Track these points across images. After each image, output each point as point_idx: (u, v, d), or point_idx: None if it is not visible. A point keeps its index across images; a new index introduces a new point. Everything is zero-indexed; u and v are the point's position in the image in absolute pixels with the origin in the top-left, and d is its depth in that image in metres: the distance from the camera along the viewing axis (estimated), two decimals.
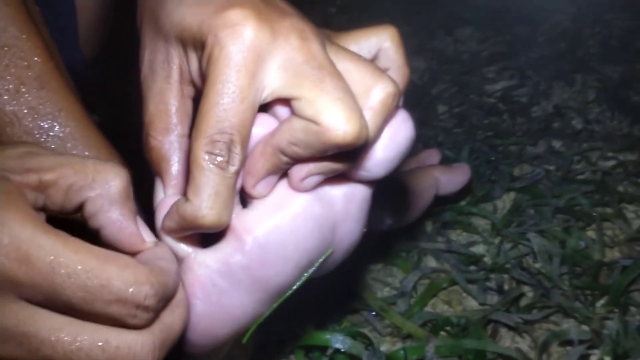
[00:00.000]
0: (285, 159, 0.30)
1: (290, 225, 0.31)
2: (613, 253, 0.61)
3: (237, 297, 0.32)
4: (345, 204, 0.33)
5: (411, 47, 1.09)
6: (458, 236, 0.65)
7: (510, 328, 0.53)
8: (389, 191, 0.60)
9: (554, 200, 0.67)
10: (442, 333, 0.52)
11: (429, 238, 0.64)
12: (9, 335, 0.26)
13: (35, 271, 0.26)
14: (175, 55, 0.32)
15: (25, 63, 0.40)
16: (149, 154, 0.33)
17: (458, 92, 0.96)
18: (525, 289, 0.57)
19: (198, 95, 0.34)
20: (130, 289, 0.26)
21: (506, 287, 0.57)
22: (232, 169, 0.30)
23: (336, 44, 0.32)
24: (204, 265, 0.31)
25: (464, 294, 0.58)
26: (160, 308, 0.28)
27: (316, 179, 0.31)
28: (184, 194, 0.30)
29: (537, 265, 0.59)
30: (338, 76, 0.30)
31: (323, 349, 0.48)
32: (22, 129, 0.40)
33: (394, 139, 0.31)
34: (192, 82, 0.33)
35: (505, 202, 0.69)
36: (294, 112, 0.30)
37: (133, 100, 0.37)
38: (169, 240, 0.32)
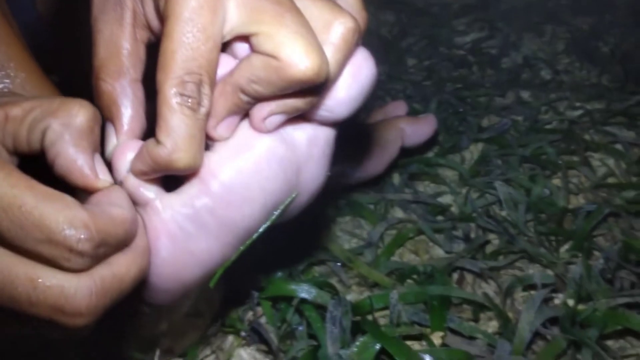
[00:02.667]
0: (245, 98, 0.30)
1: (254, 167, 0.31)
2: (578, 200, 0.61)
3: (203, 241, 0.31)
4: (308, 147, 0.32)
5: (381, 0, 1.07)
6: (425, 187, 0.65)
7: (476, 275, 0.53)
8: (355, 143, 0.60)
9: (520, 149, 0.67)
10: (409, 281, 0.53)
11: (396, 189, 0.64)
12: None
13: None
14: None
15: None
16: (99, 99, 0.32)
17: (428, 45, 0.95)
18: (491, 236, 0.57)
19: (152, 40, 0.33)
20: (63, 232, 0.26)
21: (472, 235, 0.57)
22: (203, 110, 0.29)
23: None
24: (169, 208, 0.31)
25: (431, 244, 0.58)
26: (101, 254, 0.27)
27: (278, 118, 0.31)
28: (153, 136, 0.30)
29: (503, 214, 0.59)
30: (297, 11, 0.29)
31: (289, 299, 0.48)
32: None
33: (356, 78, 0.31)
34: (147, 26, 0.32)
35: (472, 153, 0.69)
36: (253, 49, 0.29)
37: (82, 46, 0.36)
38: (132, 184, 0.31)
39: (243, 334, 0.47)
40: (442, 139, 0.70)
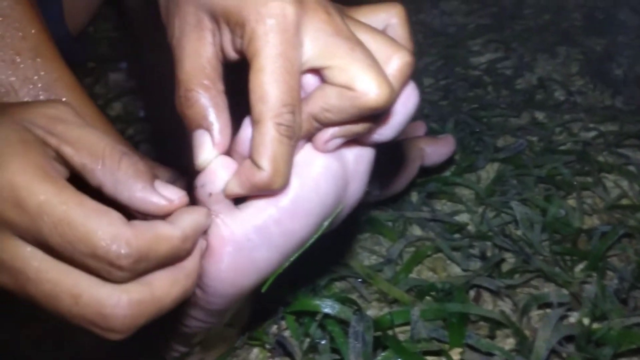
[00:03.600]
0: (316, 124, 0.33)
1: (314, 182, 0.34)
2: (592, 220, 0.63)
3: (266, 250, 0.34)
4: (355, 164, 0.36)
5: None
6: (443, 206, 0.67)
7: (492, 292, 0.55)
8: (376, 163, 0.61)
9: (536, 170, 0.69)
10: (427, 298, 0.54)
11: (415, 208, 0.66)
12: (4, 268, 0.29)
13: (26, 216, 0.28)
14: (208, 23, 0.33)
15: (21, 34, 0.41)
16: (188, 109, 0.33)
17: (444, 65, 0.97)
18: (507, 255, 0.59)
19: (225, 63, 0.35)
20: (106, 247, 0.28)
21: (489, 253, 0.59)
22: (296, 137, 0.32)
23: (350, 17, 0.34)
24: (239, 220, 0.33)
25: (448, 261, 0.60)
26: (141, 270, 0.29)
27: (338, 141, 0.34)
28: (249, 156, 0.32)
29: (519, 233, 0.61)
30: (364, 46, 0.32)
31: (313, 314, 0.50)
32: (18, 98, 0.41)
33: (406, 106, 0.34)
34: (222, 50, 0.34)
35: (489, 172, 0.71)
36: (325, 81, 0.32)
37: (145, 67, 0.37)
38: (216, 200, 0.33)
39: (268, 346, 0.49)
40: (459, 159, 0.72)
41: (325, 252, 0.56)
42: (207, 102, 0.33)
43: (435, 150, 0.63)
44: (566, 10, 1.13)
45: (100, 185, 0.31)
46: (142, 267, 0.29)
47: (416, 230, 0.63)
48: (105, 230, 0.28)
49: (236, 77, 0.35)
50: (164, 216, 0.31)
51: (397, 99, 0.34)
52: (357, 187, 0.37)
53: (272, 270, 0.35)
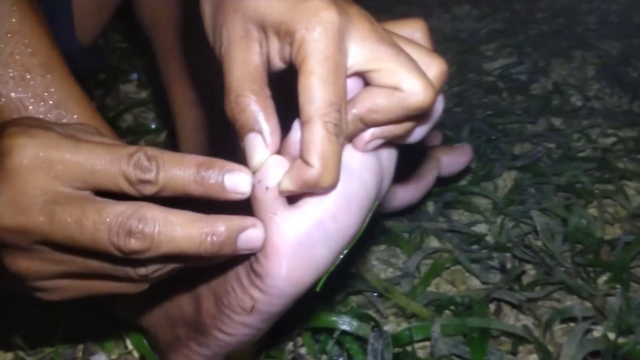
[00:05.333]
0: (361, 125, 0.35)
1: (360, 177, 0.35)
2: (614, 230, 0.61)
3: (324, 246, 0.35)
4: (387, 162, 0.38)
5: None
6: (460, 216, 0.66)
7: (513, 306, 0.53)
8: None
9: (555, 178, 0.67)
10: (447, 312, 0.53)
11: (431, 218, 0.64)
12: (31, 203, 0.32)
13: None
14: (256, 33, 0.35)
15: (30, 50, 0.40)
16: (240, 114, 0.35)
17: (457, 71, 0.96)
18: (528, 267, 0.57)
19: (271, 73, 0.37)
20: (135, 153, 0.32)
21: (509, 265, 0.58)
22: (343, 135, 0.33)
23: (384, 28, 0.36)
24: (298, 217, 0.34)
25: (467, 274, 0.58)
26: (166, 183, 0.32)
27: (378, 142, 0.36)
28: (301, 158, 0.33)
29: (539, 243, 0.59)
30: (407, 52, 0.34)
31: (330, 330, 0.48)
32: (28, 116, 0.40)
33: (435, 113, 0.36)
34: (268, 59, 0.36)
35: (506, 180, 0.70)
36: (372, 83, 0.34)
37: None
38: (272, 195, 0.34)
39: None
40: (475, 167, 0.71)
41: (341, 265, 0.55)
42: (257, 106, 0.34)
43: (452, 160, 0.62)
44: (580, 14, 1.12)
45: None
46: (168, 183, 0.32)
47: (433, 242, 0.62)
48: (130, 148, 0.33)
49: (279, 86, 0.36)
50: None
51: None
52: (387, 184, 0.39)
53: (326, 268, 0.36)
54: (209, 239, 0.33)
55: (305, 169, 0.33)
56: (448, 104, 0.87)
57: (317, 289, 0.37)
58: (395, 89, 0.33)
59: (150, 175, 0.32)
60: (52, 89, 0.41)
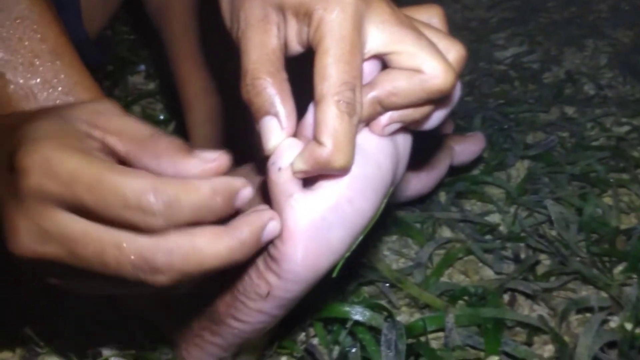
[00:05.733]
0: (379, 109, 0.34)
1: (376, 161, 0.35)
2: (630, 219, 0.60)
3: (340, 230, 0.34)
4: (403, 147, 0.37)
5: None
6: (472, 206, 0.65)
7: (527, 296, 0.53)
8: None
9: (568, 167, 0.66)
10: (460, 302, 0.52)
11: (444, 208, 0.63)
12: (51, 237, 0.30)
13: (61, 184, 0.29)
14: (274, 16, 0.35)
15: (39, 36, 0.40)
16: (256, 97, 0.34)
17: (468, 60, 0.94)
18: (542, 257, 0.56)
19: (289, 57, 0.36)
20: (136, 196, 0.29)
21: (522, 255, 0.57)
22: (357, 116, 0.33)
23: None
24: (313, 200, 0.34)
25: (480, 264, 0.57)
26: (175, 217, 0.30)
27: (395, 126, 0.35)
28: (314, 138, 0.33)
29: (554, 233, 0.58)
30: (427, 36, 0.34)
31: (342, 321, 0.48)
32: (38, 102, 0.39)
33: (453, 99, 0.36)
34: (286, 42, 0.36)
35: (519, 170, 0.69)
36: (391, 66, 0.34)
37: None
38: (286, 177, 0.34)
39: (296, 355, 0.47)
40: (487, 156, 0.70)
41: (352, 255, 0.55)
42: (273, 89, 0.34)
43: (465, 148, 0.61)
44: (592, 2, 1.11)
45: (146, 167, 0.31)
46: (176, 215, 0.30)
47: (445, 232, 0.61)
48: (134, 182, 0.29)
49: (296, 71, 0.36)
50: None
51: None
52: (403, 169, 0.38)
53: (342, 253, 0.36)
54: (237, 251, 0.31)
55: (317, 148, 0.32)
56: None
57: (334, 274, 0.36)
58: (416, 71, 0.33)
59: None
60: (62, 76, 0.40)
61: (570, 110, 0.79)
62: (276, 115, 0.34)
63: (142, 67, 0.98)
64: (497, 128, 0.75)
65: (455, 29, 1.05)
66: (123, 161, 0.32)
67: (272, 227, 0.33)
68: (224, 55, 0.42)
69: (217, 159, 0.32)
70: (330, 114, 0.32)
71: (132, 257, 0.30)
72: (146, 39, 1.03)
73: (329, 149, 0.32)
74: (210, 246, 0.30)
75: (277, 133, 0.34)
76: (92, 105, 0.33)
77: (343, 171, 0.33)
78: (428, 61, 0.33)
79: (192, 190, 0.30)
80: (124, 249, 0.30)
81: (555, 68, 0.91)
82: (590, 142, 0.71)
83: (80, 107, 0.33)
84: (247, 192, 0.32)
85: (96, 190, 0.29)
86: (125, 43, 1.06)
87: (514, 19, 1.06)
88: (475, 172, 0.68)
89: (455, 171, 0.65)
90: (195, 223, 0.30)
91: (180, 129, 0.81)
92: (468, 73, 0.91)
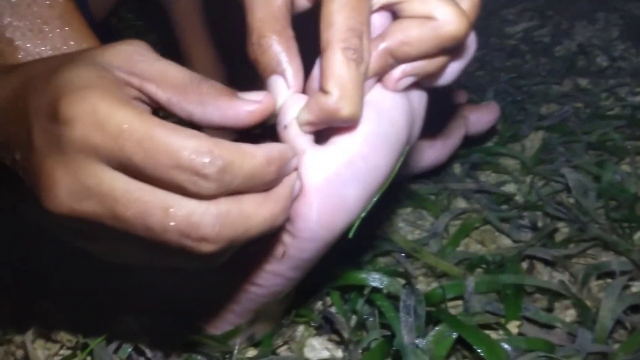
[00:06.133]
0: (391, 60, 0.33)
1: (390, 116, 0.34)
2: None
3: (355, 187, 0.34)
4: (418, 105, 0.36)
5: None
6: (487, 177, 0.64)
7: (546, 263, 0.52)
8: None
9: (584, 136, 0.65)
10: (478, 270, 0.51)
11: (458, 180, 0.63)
12: (91, 194, 0.28)
13: (108, 137, 0.27)
14: None
15: (48, 2, 0.39)
16: (262, 55, 0.34)
17: (478, 36, 0.93)
18: (560, 224, 0.56)
19: (297, 13, 0.36)
20: (189, 156, 0.27)
21: (540, 224, 0.56)
22: (364, 64, 0.32)
23: None
24: (326, 157, 0.33)
25: (497, 233, 0.57)
26: (227, 183, 0.28)
27: (409, 80, 0.34)
28: (320, 88, 0.32)
29: (571, 200, 0.58)
30: None
31: (359, 288, 0.47)
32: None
33: (468, 51, 0.35)
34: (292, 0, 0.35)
35: (533, 141, 0.68)
36: (402, 15, 0.33)
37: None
38: (294, 131, 0.33)
39: (314, 324, 0.47)
40: (501, 128, 0.69)
41: (366, 228, 0.54)
42: (279, 47, 0.33)
43: (480, 117, 0.60)
44: None
45: (190, 114, 0.30)
46: (228, 180, 0.28)
47: (461, 203, 0.60)
48: (188, 142, 0.28)
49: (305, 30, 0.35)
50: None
51: None
52: (418, 129, 0.37)
53: (358, 212, 0.35)
54: (280, 216, 0.31)
55: (322, 97, 0.31)
56: (470, 68, 0.85)
57: (350, 235, 0.35)
58: (428, 17, 0.32)
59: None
60: (72, 42, 0.40)
61: (583, 82, 0.78)
62: (282, 73, 0.33)
63: None
64: (510, 100, 0.74)
65: None
66: (163, 109, 0.31)
67: (297, 188, 0.33)
68: (233, 34, 0.41)
69: (263, 100, 0.31)
70: (336, 61, 0.31)
71: (180, 221, 0.28)
72: (152, 25, 1.02)
73: (335, 96, 0.31)
74: (257, 213, 0.30)
75: (284, 92, 0.33)
76: (124, 49, 0.31)
77: (351, 121, 0.32)
78: (440, 7, 0.32)
79: (247, 156, 0.29)
80: (171, 212, 0.28)
81: (566, 41, 0.90)
82: (605, 111, 0.70)
83: (112, 51, 0.31)
84: (296, 160, 0.32)
85: (147, 147, 0.27)
86: (133, 29, 1.06)
87: None
88: (489, 144, 0.68)
89: (469, 143, 0.65)
90: (244, 191, 0.29)
91: None
92: (479, 48, 0.90)
